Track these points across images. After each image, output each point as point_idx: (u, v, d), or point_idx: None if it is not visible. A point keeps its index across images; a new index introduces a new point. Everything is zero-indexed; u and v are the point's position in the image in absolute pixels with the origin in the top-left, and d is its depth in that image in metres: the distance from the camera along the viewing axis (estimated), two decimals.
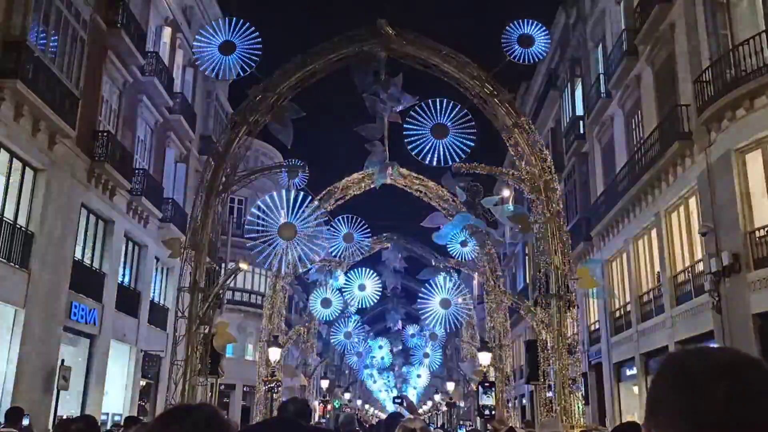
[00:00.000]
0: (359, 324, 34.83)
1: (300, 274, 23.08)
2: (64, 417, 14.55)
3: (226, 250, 24.52)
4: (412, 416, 4.20)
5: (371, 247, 23.29)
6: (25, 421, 10.57)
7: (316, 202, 17.97)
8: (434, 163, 14.54)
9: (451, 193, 18.86)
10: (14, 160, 15.27)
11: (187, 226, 17.11)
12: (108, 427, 17.47)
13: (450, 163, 14.84)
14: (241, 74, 14.01)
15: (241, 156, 15.86)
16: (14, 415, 9.54)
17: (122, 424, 15.07)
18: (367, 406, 55.56)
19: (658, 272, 18.67)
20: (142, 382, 22.62)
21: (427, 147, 14.38)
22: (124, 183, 19.49)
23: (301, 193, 15.12)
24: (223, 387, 28.27)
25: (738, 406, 1.10)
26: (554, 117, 30.22)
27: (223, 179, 15.05)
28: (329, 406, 34.83)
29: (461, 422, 37.94)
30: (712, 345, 1.34)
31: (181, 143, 25.58)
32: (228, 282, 16.20)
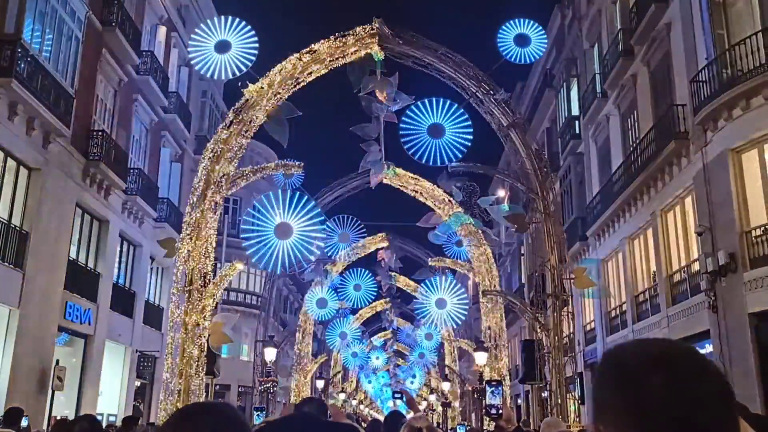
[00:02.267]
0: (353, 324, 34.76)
1: (295, 273, 23.04)
2: (59, 417, 14.47)
3: (221, 250, 24.49)
4: (416, 414, 4.16)
5: (366, 246, 23.27)
6: (24, 423, 10.48)
7: (312, 202, 17.93)
8: (430, 162, 14.49)
9: (447, 193, 18.84)
10: (8, 159, 15.20)
11: (182, 226, 17.04)
12: (103, 427, 17.38)
13: (446, 162, 14.80)
14: (237, 73, 13.93)
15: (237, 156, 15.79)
16: (13, 415, 9.46)
17: (118, 424, 15.02)
18: (362, 406, 55.54)
19: (654, 272, 18.69)
20: (137, 383, 22.55)
21: (424, 146, 14.33)
22: (119, 182, 19.42)
23: (297, 192, 15.07)
24: (218, 387, 28.24)
25: (675, 397, 1.12)
26: (550, 117, 30.23)
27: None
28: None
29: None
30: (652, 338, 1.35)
31: (176, 143, 25.53)
32: (223, 282, 16.12)
